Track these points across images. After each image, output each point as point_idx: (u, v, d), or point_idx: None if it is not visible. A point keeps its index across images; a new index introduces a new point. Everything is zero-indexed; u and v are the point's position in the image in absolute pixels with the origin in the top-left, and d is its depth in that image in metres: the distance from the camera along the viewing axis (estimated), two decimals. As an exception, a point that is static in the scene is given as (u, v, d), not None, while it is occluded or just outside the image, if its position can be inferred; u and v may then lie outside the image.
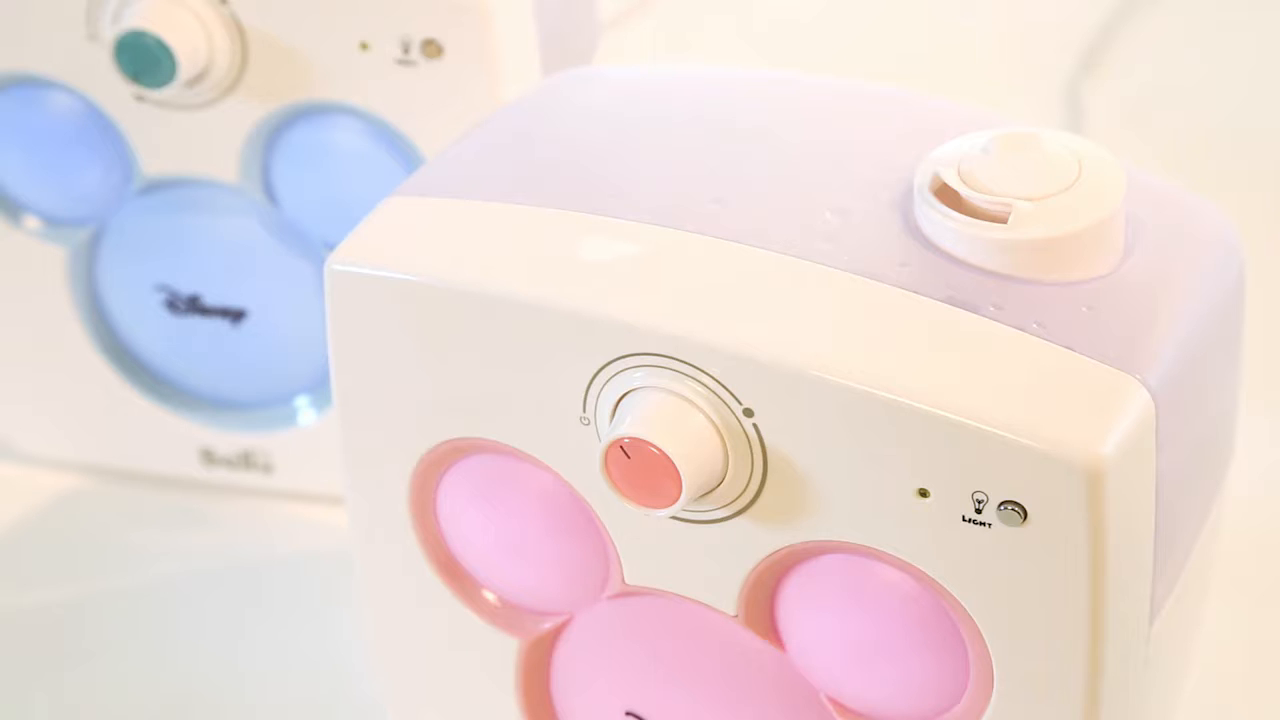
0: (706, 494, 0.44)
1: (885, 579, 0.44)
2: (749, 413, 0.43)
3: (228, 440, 0.66)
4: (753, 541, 0.45)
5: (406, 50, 0.57)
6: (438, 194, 0.48)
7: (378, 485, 0.50)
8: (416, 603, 0.51)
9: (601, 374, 0.44)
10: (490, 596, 0.51)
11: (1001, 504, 0.41)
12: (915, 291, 0.43)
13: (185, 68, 0.58)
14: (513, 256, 0.46)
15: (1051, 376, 0.42)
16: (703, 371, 0.43)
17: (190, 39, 0.58)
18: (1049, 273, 0.44)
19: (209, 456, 0.68)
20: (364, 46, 0.57)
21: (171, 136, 0.62)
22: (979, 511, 0.42)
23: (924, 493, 0.42)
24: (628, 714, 0.51)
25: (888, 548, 0.44)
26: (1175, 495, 0.45)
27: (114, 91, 0.61)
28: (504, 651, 0.51)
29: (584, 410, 0.45)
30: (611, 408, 0.44)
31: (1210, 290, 0.46)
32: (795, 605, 0.46)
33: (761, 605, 0.46)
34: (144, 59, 0.58)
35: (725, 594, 0.46)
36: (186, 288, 0.65)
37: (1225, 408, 0.49)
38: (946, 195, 0.44)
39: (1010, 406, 0.41)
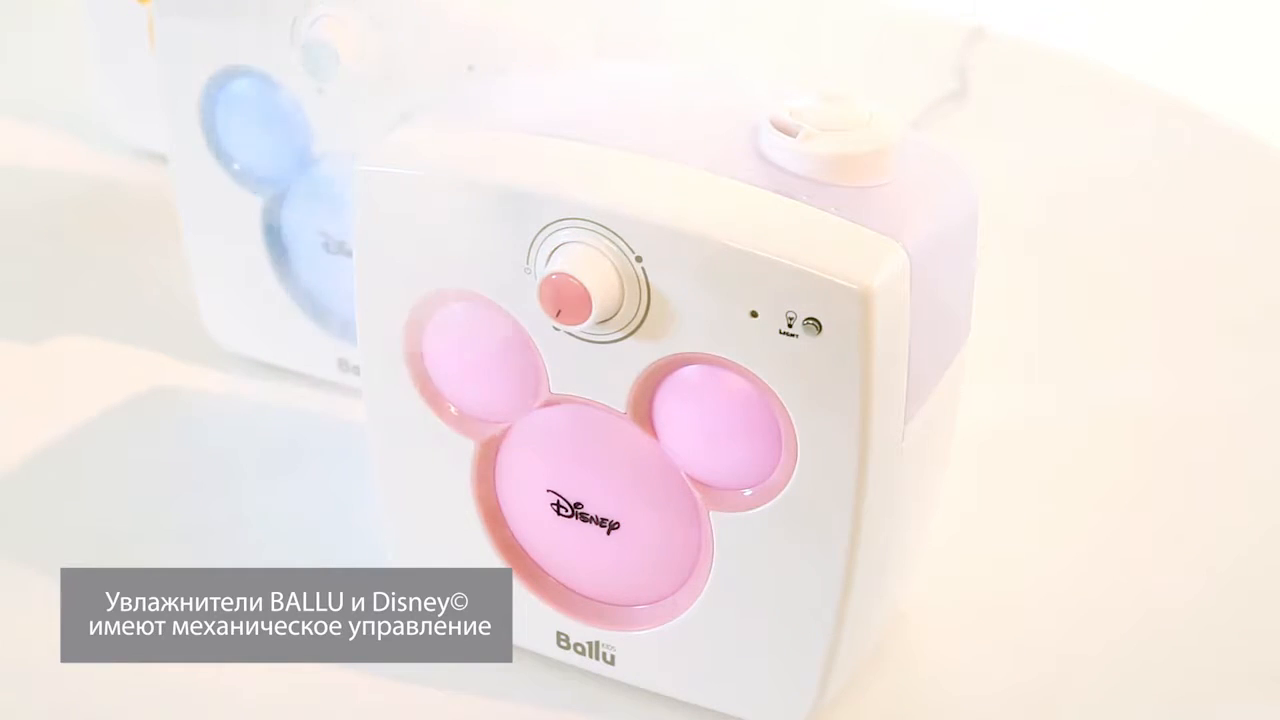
0: (607, 320, 0.58)
1: (729, 383, 0.57)
2: (639, 259, 0.58)
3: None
4: (638, 355, 0.58)
5: None
6: (431, 126, 0.63)
7: (382, 327, 0.62)
8: (404, 413, 0.63)
9: (541, 233, 0.58)
10: (453, 409, 0.63)
11: (805, 320, 0.55)
12: (754, 184, 0.58)
13: None
14: (480, 157, 0.60)
15: (842, 236, 0.56)
16: (608, 229, 0.57)
17: None
18: (843, 179, 0.58)
19: (344, 365, 0.83)
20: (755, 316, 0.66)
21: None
22: (790, 326, 0.56)
23: (755, 314, 0.56)
24: (548, 490, 0.63)
25: (731, 357, 0.56)
26: (923, 333, 0.59)
27: (301, 84, 0.76)
28: (463, 450, 0.64)
29: (527, 262, 0.58)
30: (546, 257, 0.58)
31: (952, 206, 0.62)
32: (666, 403, 0.60)
33: (643, 404, 0.59)
34: None
35: (618, 397, 0.60)
36: (337, 235, 0.81)
37: (961, 290, 0.63)
38: (782, 127, 0.59)
39: (814, 253, 0.55)
